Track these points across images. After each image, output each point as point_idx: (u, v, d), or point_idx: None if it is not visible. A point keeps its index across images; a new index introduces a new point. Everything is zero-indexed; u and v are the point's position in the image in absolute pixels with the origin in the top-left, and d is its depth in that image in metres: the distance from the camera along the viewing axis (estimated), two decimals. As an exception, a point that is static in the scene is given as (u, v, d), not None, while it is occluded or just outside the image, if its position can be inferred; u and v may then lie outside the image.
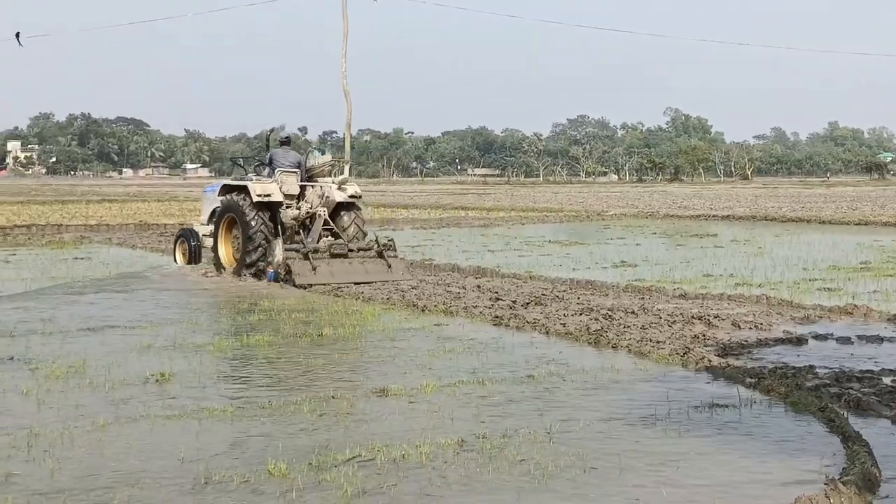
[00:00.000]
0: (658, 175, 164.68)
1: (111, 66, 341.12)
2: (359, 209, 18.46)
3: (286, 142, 18.87)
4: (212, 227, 18.54)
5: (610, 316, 11.91)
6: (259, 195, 17.21)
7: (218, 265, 18.02)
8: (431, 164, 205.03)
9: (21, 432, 6.81)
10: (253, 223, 17.01)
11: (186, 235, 19.50)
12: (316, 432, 6.91)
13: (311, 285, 15.75)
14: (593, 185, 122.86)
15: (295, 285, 15.85)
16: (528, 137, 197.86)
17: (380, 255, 17.01)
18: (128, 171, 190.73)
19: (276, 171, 17.88)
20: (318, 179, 18.31)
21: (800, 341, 10.53)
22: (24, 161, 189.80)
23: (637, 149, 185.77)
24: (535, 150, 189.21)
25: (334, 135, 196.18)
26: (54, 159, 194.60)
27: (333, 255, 16.70)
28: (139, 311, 13.01)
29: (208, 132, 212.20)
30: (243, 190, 17.59)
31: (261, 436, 6.82)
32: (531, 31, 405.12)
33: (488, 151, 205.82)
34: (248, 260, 17.02)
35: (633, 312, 12.23)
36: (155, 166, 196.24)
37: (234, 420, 7.24)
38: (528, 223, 36.20)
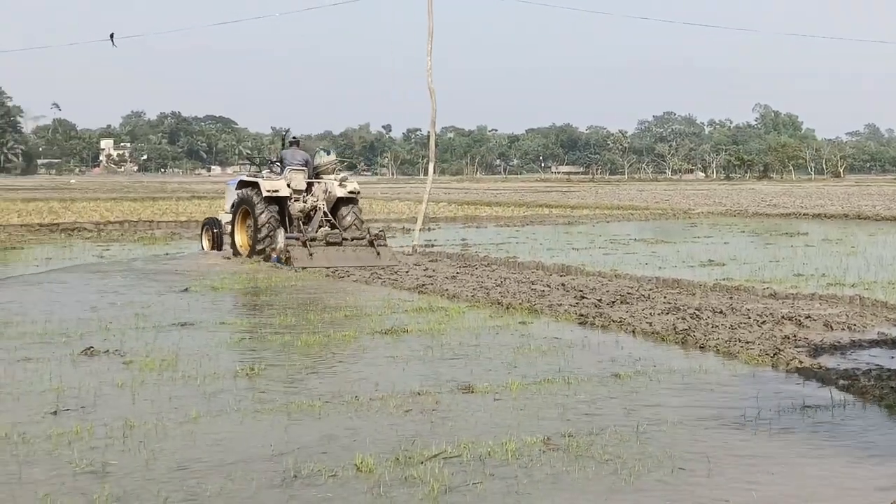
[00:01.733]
0: (746, 173, 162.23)
1: (201, 65, 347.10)
2: (357, 203, 20.69)
3: (295, 143, 21.34)
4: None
5: (697, 315, 11.77)
6: (268, 191, 19.71)
7: (234, 250, 20.43)
8: (515, 161, 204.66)
9: (117, 423, 6.99)
10: (262, 215, 19.51)
11: (211, 223, 21.90)
12: (402, 428, 6.96)
13: (305, 268, 17.75)
14: (679, 183, 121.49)
15: (293, 267, 17.88)
16: (613, 134, 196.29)
17: (371, 244, 19.08)
18: (216, 169, 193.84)
19: (285, 169, 20.32)
20: (324, 176, 20.66)
21: (895, 343, 10.28)
22: (117, 158, 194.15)
23: (725, 146, 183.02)
24: (620, 147, 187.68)
25: (418, 132, 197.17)
26: (145, 157, 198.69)
27: (329, 244, 18.96)
28: (228, 308, 13.25)
29: (294, 130, 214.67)
30: (255, 186, 20.05)
31: (348, 430, 6.89)
32: (618, 26, 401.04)
33: (572, 149, 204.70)
34: (258, 247, 19.45)
35: (721, 312, 12.07)
36: (242, 164, 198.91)
37: (321, 414, 7.33)
38: (613, 221, 35.94)
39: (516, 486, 5.73)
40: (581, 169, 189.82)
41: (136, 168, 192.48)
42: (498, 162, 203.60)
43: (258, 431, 6.88)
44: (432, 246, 23.40)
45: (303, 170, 20.40)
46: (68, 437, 6.64)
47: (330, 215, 20.12)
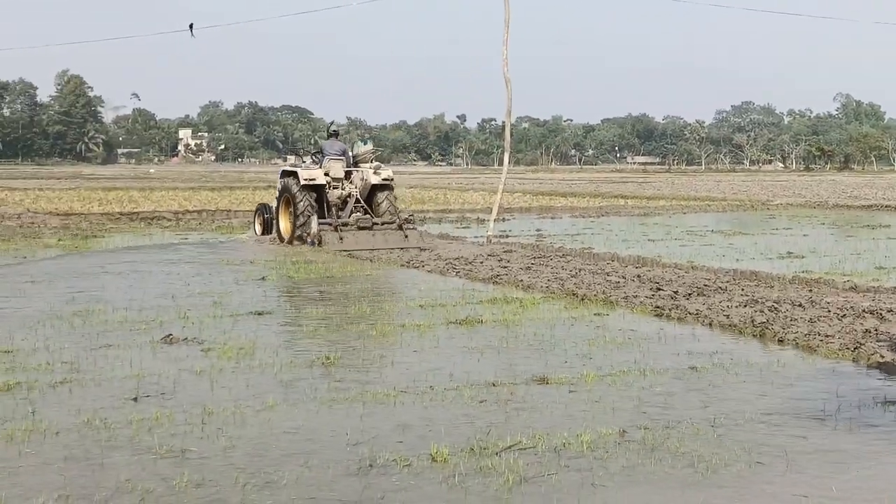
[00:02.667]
0: (826, 163, 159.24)
1: (277, 55, 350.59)
2: (391, 189, 21.83)
3: (334, 134, 22.68)
4: None
5: (776, 308, 11.59)
6: (305, 180, 21.00)
7: (279, 235, 21.64)
8: (590, 151, 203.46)
9: (196, 410, 7.11)
10: (300, 202, 20.78)
11: (262, 210, 23.08)
12: (477, 418, 6.97)
13: (339, 251, 19.08)
14: (758, 174, 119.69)
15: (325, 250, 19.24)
16: (689, 125, 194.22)
17: (399, 227, 20.50)
18: (291, 159, 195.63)
19: (324, 159, 21.74)
20: (361, 165, 21.93)
21: (981, 338, 10.01)
22: (195, 148, 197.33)
23: (804, 136, 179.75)
24: (697, 137, 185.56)
25: (493, 122, 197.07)
26: (223, 146, 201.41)
27: (360, 228, 20.31)
28: (303, 297, 13.38)
29: (369, 120, 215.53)
30: (295, 175, 21.36)
31: (423, 420, 6.93)
32: (694, 14, 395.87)
33: (648, 139, 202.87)
34: (297, 232, 20.70)
35: (800, 305, 11.87)
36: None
37: (396, 404, 7.38)
38: (690, 212, 35.49)
39: (591, 477, 5.71)
40: (657, 159, 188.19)
41: (213, 158, 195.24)
42: (573, 152, 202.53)
43: (334, 420, 6.95)
44: (507, 236, 23.37)
45: (340, 159, 21.73)
46: (148, 423, 6.78)
47: (363, 201, 21.37)
